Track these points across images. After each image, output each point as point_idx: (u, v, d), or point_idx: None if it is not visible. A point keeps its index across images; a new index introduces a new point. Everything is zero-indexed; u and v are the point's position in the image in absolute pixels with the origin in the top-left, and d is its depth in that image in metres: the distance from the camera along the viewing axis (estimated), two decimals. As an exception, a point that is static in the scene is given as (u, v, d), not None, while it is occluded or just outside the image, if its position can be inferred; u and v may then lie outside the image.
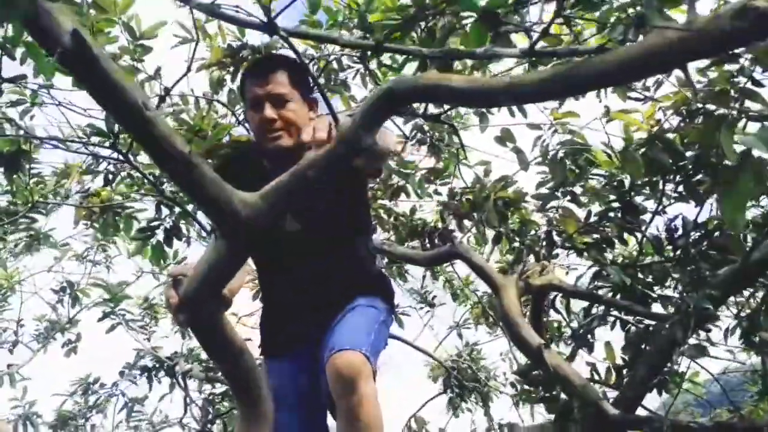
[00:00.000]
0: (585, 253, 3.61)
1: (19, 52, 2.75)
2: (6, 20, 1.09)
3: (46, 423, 5.98)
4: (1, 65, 2.65)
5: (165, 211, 4.18)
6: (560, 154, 3.37)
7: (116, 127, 2.79)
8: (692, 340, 2.56)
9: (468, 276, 5.21)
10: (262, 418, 1.87)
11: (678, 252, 3.45)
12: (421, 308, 5.79)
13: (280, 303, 2.22)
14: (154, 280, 5.97)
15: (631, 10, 1.56)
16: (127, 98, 1.16)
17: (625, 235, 3.56)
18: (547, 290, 3.02)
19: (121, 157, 2.85)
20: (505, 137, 3.33)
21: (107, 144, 2.81)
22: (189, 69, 2.84)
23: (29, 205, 4.14)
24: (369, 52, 3.64)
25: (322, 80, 3.83)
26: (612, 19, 1.49)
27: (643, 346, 3.08)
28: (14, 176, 4.01)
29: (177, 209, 4.11)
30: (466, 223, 3.66)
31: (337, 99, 4.07)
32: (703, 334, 2.73)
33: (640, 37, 1.21)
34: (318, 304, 2.07)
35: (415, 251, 3.58)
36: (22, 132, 3.09)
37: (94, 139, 3.95)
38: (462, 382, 5.49)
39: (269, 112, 1.98)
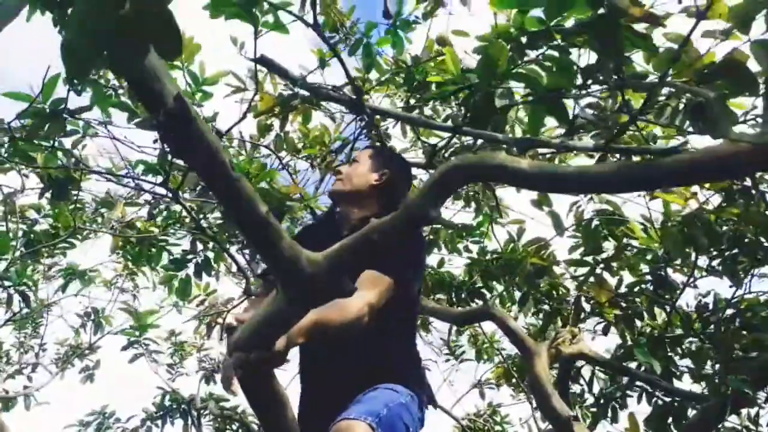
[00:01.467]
0: (612, 326, 3.61)
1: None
2: (120, 74, 1.18)
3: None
4: (68, 100, 2.81)
5: (199, 246, 4.32)
6: (595, 222, 3.42)
7: (167, 166, 2.89)
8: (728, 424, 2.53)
9: (494, 333, 5.17)
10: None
11: (709, 328, 3.45)
12: (447, 360, 5.73)
13: (306, 389, 2.18)
14: (177, 314, 6.03)
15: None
16: (217, 159, 1.24)
17: (655, 309, 3.56)
18: (577, 359, 3.02)
19: (169, 194, 2.94)
20: (541, 201, 3.39)
21: (158, 181, 2.91)
22: (245, 116, 2.99)
23: (70, 229, 4.25)
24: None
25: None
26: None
27: (669, 421, 3.04)
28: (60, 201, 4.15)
29: (210, 245, 4.22)
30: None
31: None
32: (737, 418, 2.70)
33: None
34: (338, 392, 1.99)
35: (445, 308, 3.60)
36: (73, 161, 3.21)
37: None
38: (478, 443, 5.41)
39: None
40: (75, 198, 3.98)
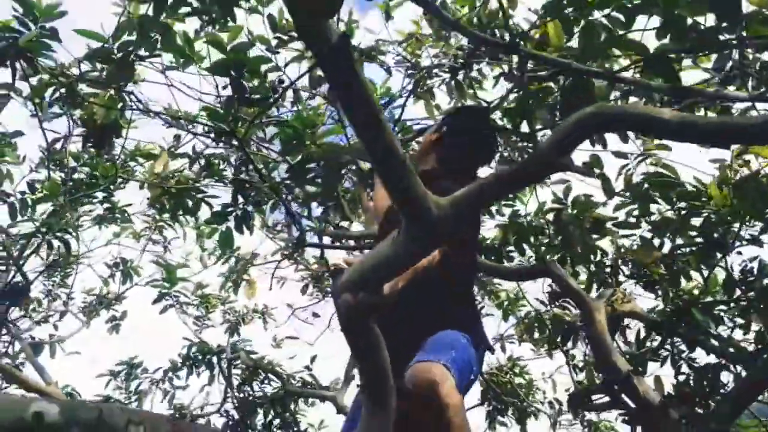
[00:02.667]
0: (657, 285, 3.66)
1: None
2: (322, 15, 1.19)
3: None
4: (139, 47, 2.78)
5: (240, 199, 4.32)
6: (645, 185, 3.43)
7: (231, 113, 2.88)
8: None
9: (518, 292, 5.22)
10: (388, 413, 1.94)
11: (750, 293, 3.50)
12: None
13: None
14: (205, 271, 6.07)
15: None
16: (370, 101, 1.25)
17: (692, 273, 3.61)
18: (630, 317, 3.07)
19: (235, 142, 2.94)
20: (593, 163, 3.39)
21: (224, 128, 2.89)
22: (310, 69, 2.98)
23: (110, 177, 4.25)
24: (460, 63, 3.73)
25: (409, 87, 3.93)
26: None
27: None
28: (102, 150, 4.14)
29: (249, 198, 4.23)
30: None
31: (421, 105, 4.17)
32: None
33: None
34: (409, 340, 2.08)
35: (502, 265, 3.63)
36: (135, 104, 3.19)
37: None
38: (501, 396, 5.52)
39: None
40: (122, 145, 3.95)
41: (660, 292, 3.78)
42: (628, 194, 3.50)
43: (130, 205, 4.90)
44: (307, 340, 5.47)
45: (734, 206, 2.73)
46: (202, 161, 4.57)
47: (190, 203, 4.61)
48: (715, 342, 3.43)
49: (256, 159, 3.61)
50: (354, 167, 2.96)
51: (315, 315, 5.31)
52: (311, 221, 3.66)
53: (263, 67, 2.74)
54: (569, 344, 4.64)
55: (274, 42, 2.75)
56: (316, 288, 5.55)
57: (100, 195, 4.53)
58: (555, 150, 1.39)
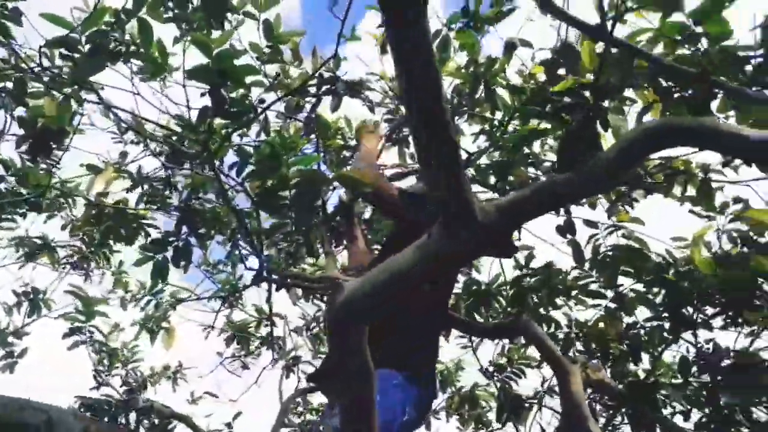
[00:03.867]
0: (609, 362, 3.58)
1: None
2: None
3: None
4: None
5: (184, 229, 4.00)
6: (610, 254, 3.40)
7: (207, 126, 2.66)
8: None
9: (460, 361, 5.03)
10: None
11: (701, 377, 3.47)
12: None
13: None
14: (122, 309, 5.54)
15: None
16: (432, 66, 1.09)
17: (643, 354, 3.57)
18: (599, 388, 2.95)
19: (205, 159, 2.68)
20: (566, 229, 3.35)
21: (192, 140, 2.65)
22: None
23: (40, 189, 3.83)
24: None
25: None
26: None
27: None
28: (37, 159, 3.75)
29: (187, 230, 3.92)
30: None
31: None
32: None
33: None
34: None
35: (475, 322, 3.46)
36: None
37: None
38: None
39: None
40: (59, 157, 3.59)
41: (609, 371, 3.71)
42: (593, 266, 3.47)
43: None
44: (230, 397, 4.97)
45: (719, 278, 2.71)
46: (145, 186, 4.25)
47: (123, 231, 4.25)
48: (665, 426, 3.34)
49: (213, 184, 3.35)
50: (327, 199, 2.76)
51: (244, 367, 4.87)
52: (263, 257, 3.37)
53: (249, 79, 2.55)
54: (511, 423, 4.43)
55: (266, 51, 2.58)
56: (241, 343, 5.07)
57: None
58: (620, 159, 1.27)
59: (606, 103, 1.85)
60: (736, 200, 2.86)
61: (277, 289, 3.32)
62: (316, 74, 3.19)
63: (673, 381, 3.55)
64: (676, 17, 1.95)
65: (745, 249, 2.82)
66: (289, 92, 3.17)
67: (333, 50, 2.81)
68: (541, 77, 2.54)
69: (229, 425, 4.81)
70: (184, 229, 4.02)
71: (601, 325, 3.39)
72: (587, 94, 1.79)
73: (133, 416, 4.84)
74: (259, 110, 2.77)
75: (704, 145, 1.32)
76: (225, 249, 4.39)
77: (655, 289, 3.22)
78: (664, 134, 1.25)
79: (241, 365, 4.84)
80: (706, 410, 3.05)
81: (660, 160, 2.99)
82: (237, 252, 3.64)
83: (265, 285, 3.85)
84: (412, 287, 1.41)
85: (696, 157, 2.86)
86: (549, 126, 2.25)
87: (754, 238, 2.84)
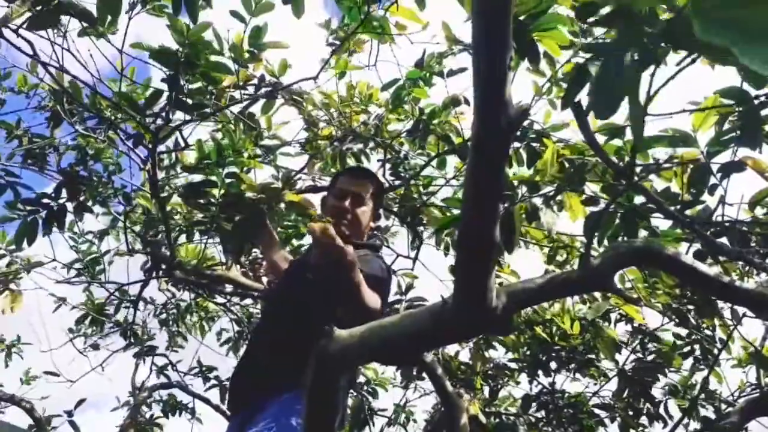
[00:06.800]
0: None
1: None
2: None
3: None
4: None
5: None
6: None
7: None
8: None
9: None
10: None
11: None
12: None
13: (242, 357, 2.28)
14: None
15: None
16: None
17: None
18: (472, 422, 3.24)
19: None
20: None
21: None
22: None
23: None
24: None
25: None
26: None
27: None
28: None
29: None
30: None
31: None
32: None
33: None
34: (257, 369, 2.10)
35: None
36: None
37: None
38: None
39: (347, 204, 2.22)
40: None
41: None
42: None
43: None
44: (70, 378, 4.51)
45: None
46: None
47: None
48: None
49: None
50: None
51: (94, 347, 4.50)
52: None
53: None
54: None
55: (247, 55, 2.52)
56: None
57: None
58: (610, 269, 1.53)
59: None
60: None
61: (179, 284, 3.20)
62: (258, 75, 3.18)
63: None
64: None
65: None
66: (228, 87, 3.10)
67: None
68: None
69: (69, 413, 4.37)
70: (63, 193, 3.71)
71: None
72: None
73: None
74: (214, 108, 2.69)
75: (680, 278, 1.61)
76: (102, 223, 4.08)
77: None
78: (647, 258, 1.54)
79: (92, 345, 4.47)
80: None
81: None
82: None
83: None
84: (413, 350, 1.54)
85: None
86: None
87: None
